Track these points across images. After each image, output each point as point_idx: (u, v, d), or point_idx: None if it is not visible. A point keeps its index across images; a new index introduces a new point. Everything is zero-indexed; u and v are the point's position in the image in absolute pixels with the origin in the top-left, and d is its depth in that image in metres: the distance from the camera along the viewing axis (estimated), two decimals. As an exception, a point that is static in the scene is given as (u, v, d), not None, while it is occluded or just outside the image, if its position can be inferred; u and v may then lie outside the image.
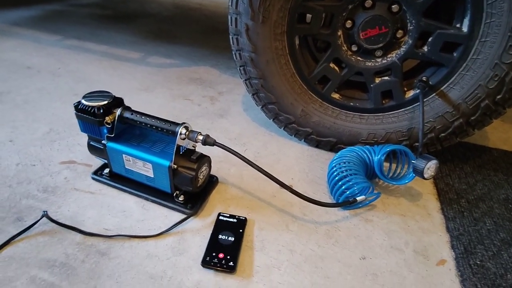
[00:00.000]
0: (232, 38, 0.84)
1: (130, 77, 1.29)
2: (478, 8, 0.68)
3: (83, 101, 0.68)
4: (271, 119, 0.94)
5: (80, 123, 0.71)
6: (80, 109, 0.69)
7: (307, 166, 0.88)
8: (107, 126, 0.69)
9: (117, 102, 0.70)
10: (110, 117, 0.68)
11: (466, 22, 0.71)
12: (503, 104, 0.74)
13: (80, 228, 0.65)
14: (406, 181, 0.77)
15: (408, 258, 0.66)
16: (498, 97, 0.73)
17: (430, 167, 0.71)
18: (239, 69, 0.88)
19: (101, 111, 0.67)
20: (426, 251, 0.68)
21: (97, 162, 0.82)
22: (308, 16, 0.80)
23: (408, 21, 0.75)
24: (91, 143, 0.74)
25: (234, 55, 0.87)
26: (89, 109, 0.68)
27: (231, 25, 0.82)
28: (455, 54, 0.74)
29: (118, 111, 0.68)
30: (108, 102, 0.68)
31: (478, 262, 0.66)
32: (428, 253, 0.67)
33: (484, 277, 0.63)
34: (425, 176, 0.71)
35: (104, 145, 0.71)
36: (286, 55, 0.83)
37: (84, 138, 0.79)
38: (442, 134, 0.81)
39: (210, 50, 1.58)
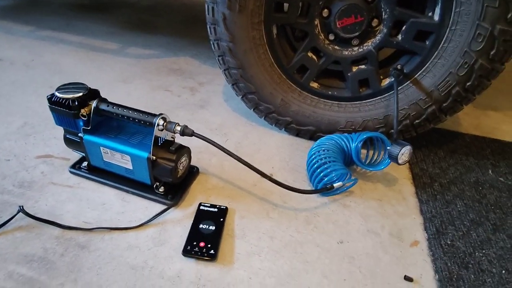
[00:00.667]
0: (209, 27, 0.83)
1: (108, 68, 1.26)
2: (449, -3, 0.70)
3: (57, 93, 0.67)
4: (252, 109, 0.94)
5: (54, 116, 0.70)
6: (54, 102, 0.67)
7: (288, 155, 0.90)
8: (83, 118, 0.68)
9: (93, 94, 0.69)
10: (86, 109, 0.67)
11: (437, 10, 0.73)
12: (472, 91, 0.77)
13: (59, 222, 0.65)
14: (382, 167, 0.79)
15: (384, 240, 0.69)
16: (468, 84, 0.75)
17: (404, 153, 0.73)
18: (218, 59, 0.88)
19: (76, 103, 0.66)
20: (400, 234, 0.71)
21: (75, 155, 0.81)
22: (286, 5, 0.80)
23: (382, 10, 0.76)
24: (67, 136, 0.73)
25: (212, 45, 0.86)
26: (63, 102, 0.66)
27: (208, 14, 0.81)
28: (427, 43, 0.76)
29: (93, 103, 0.67)
30: (83, 94, 0.67)
31: (449, 242, 0.70)
32: (403, 235, 0.70)
33: (454, 255, 0.67)
34: (400, 161, 0.74)
35: (81, 138, 0.70)
36: (264, 44, 0.83)
37: (60, 131, 0.78)
38: (417, 121, 0.84)
39: (190, 40, 1.56)
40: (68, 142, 0.74)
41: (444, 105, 0.80)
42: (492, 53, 0.70)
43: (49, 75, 1.17)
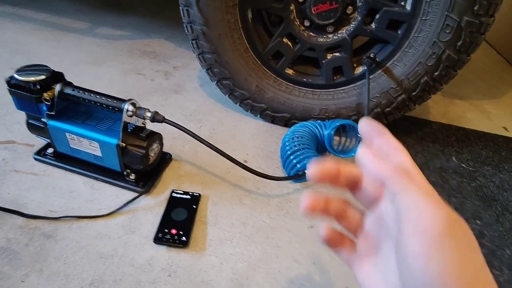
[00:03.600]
0: (182, 9, 0.80)
1: (76, 49, 1.19)
2: (420, -14, 0.70)
3: (17, 76, 0.62)
4: (227, 95, 0.93)
5: (15, 100, 0.66)
6: (13, 85, 0.63)
7: (262, 142, 0.90)
8: (46, 103, 0.64)
9: (57, 76, 0.66)
10: (49, 93, 0.64)
11: (409, 0, 0.73)
12: (440, 81, 0.79)
13: (22, 211, 0.62)
14: (353, 154, 0.81)
15: (352, 224, 0.71)
16: (436, 74, 0.78)
17: (373, 140, 0.75)
18: (191, 42, 0.85)
19: (38, 86, 0.62)
20: (368, 217, 0.74)
21: (40, 141, 0.77)
22: (261, -12, 0.78)
23: (357, -3, 0.77)
24: (30, 121, 0.69)
25: (185, 28, 0.83)
26: (24, 85, 0.62)
27: (181, -4, 0.78)
28: (399, 32, 0.78)
29: (57, 87, 0.64)
30: (45, 77, 0.63)
31: (412, 225, 0.73)
32: (370, 219, 0.73)
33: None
34: (369, 148, 0.76)
35: (45, 123, 0.67)
36: (239, 29, 0.81)
37: (24, 116, 0.73)
38: (387, 109, 0.86)
39: (165, 21, 1.50)
40: (31, 127, 0.70)
41: (413, 94, 0.82)
42: (459, 44, 0.73)
43: (10, 55, 1.10)
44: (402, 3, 0.75)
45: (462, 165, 0.93)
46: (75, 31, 1.31)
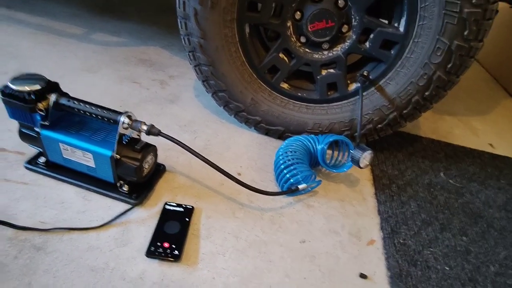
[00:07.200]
0: (180, 21, 0.81)
1: (71, 55, 1.19)
2: (413, 10, 0.73)
3: (11, 85, 0.62)
4: (222, 107, 0.94)
5: (8, 109, 0.65)
6: (7, 94, 0.63)
7: (256, 154, 0.91)
8: (41, 113, 0.64)
9: (52, 86, 0.65)
10: (44, 103, 0.63)
11: (403, 22, 0.76)
12: (430, 100, 0.82)
13: (12, 222, 0.61)
14: (345, 169, 0.83)
15: (343, 240, 0.73)
16: (427, 93, 0.80)
17: (366, 157, 0.77)
18: (188, 54, 0.86)
19: (33, 96, 0.62)
20: (359, 233, 0.75)
21: (31, 150, 0.76)
22: (259, 4, 0.80)
23: (352, 17, 0.79)
24: (22, 130, 0.69)
25: (183, 40, 0.84)
26: (18, 94, 0.62)
27: (179, 8, 0.79)
28: (392, 52, 0.80)
29: (53, 98, 0.63)
30: (41, 87, 0.63)
31: (401, 241, 0.75)
32: (361, 235, 0.74)
33: (405, 253, 0.72)
34: (361, 165, 0.77)
35: (38, 133, 0.66)
36: (236, 42, 0.83)
37: (15, 123, 0.73)
38: (379, 125, 0.88)
39: (161, 29, 1.51)
40: (23, 136, 0.69)
41: (404, 111, 0.84)
42: (449, 66, 0.75)
43: (4, 60, 1.09)
44: (396, 25, 0.78)
45: (450, 181, 0.96)
46: (71, 36, 1.30)
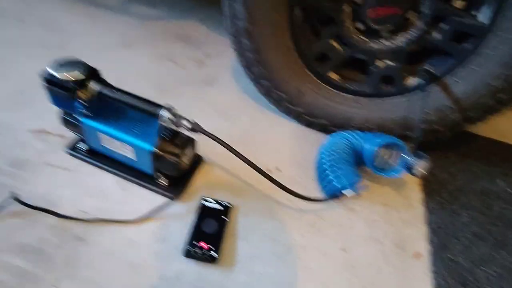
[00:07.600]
0: (224, 2, 0.74)
1: (107, 29, 1.15)
2: (502, -4, 0.61)
3: (52, 71, 0.60)
4: (262, 94, 0.88)
5: (49, 95, 0.63)
6: (48, 81, 0.60)
7: (297, 147, 0.85)
8: (81, 101, 0.61)
9: (92, 73, 0.62)
10: (84, 91, 0.61)
11: (485, 11, 0.64)
12: (505, 103, 0.71)
13: (54, 209, 0.62)
14: (396, 175, 0.76)
15: (386, 250, 0.68)
16: (501, 95, 0.70)
17: (422, 165, 0.70)
18: (231, 37, 0.79)
19: (73, 84, 0.59)
20: (404, 243, 0.70)
21: (71, 132, 0.76)
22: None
23: (421, 2, 0.68)
24: (64, 116, 0.67)
25: (225, 22, 0.77)
26: (58, 82, 0.60)
27: (225, -13, 0.72)
28: (466, 46, 0.69)
29: (93, 87, 0.61)
30: (81, 75, 0.60)
31: (450, 256, 0.69)
32: (406, 245, 0.69)
33: (454, 271, 0.67)
34: (416, 174, 0.70)
35: (79, 120, 0.64)
36: (285, 28, 0.75)
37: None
38: (437, 127, 0.79)
39: (199, 1, 1.42)
40: (65, 122, 0.68)
41: (470, 114, 0.75)
42: (534, 66, 0.64)
43: (44, 33, 1.07)
44: (475, 14, 0.66)
45: (507, 189, 0.86)
46: (109, 8, 1.26)
